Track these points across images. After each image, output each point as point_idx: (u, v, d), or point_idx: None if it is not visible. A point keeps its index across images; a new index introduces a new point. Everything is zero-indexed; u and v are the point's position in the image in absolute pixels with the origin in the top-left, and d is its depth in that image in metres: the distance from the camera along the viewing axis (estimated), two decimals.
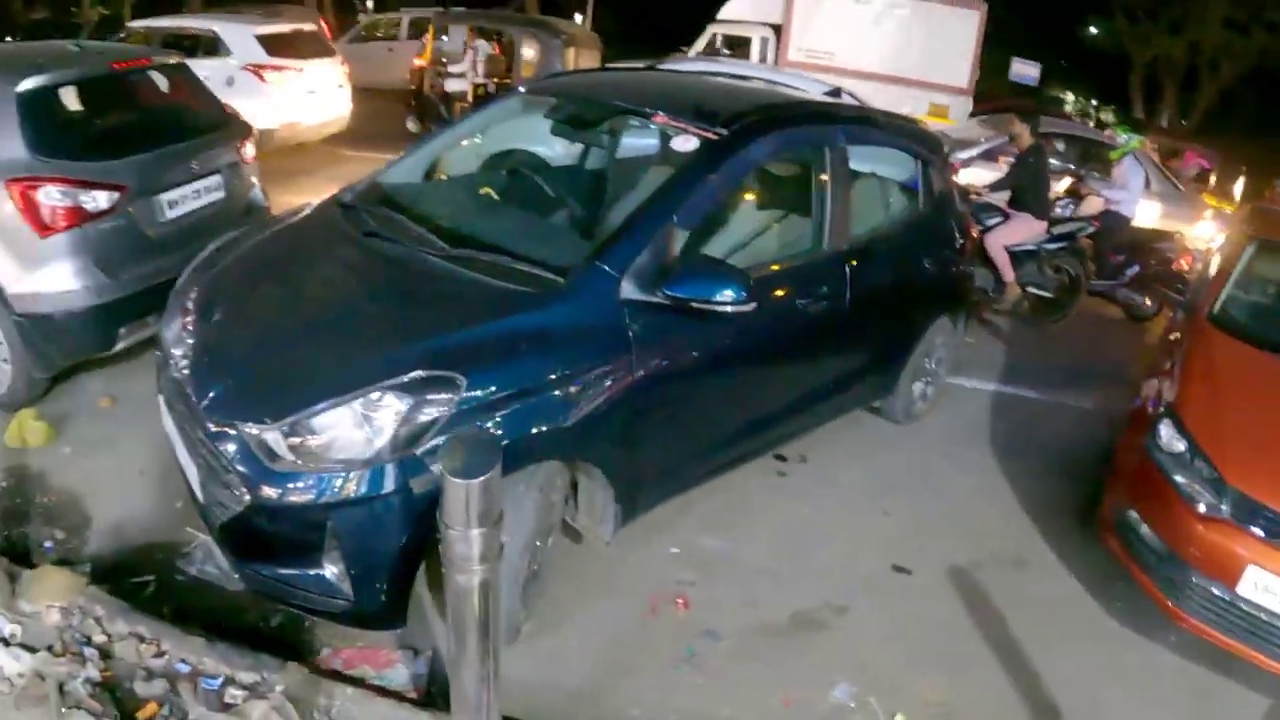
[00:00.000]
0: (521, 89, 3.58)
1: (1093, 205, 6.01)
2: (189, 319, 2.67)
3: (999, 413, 4.55)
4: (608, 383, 2.43)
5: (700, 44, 12.56)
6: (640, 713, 2.45)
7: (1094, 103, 26.04)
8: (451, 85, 10.51)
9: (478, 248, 2.64)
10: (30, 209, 3.28)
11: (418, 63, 10.98)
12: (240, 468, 2.19)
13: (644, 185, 2.86)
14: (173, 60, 4.11)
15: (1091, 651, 2.85)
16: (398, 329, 2.36)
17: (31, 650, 2.35)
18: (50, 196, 3.29)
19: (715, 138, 2.84)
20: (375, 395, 2.14)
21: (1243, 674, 2.77)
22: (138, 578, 2.82)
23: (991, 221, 5.72)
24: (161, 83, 3.98)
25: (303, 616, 2.64)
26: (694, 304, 2.50)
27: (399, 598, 2.27)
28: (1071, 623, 2.99)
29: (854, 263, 3.28)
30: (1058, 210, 6.00)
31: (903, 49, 11.15)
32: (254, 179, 4.38)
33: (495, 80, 10.71)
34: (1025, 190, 5.70)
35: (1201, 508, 2.64)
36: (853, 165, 3.34)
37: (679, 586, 2.94)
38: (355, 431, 2.14)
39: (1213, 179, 8.71)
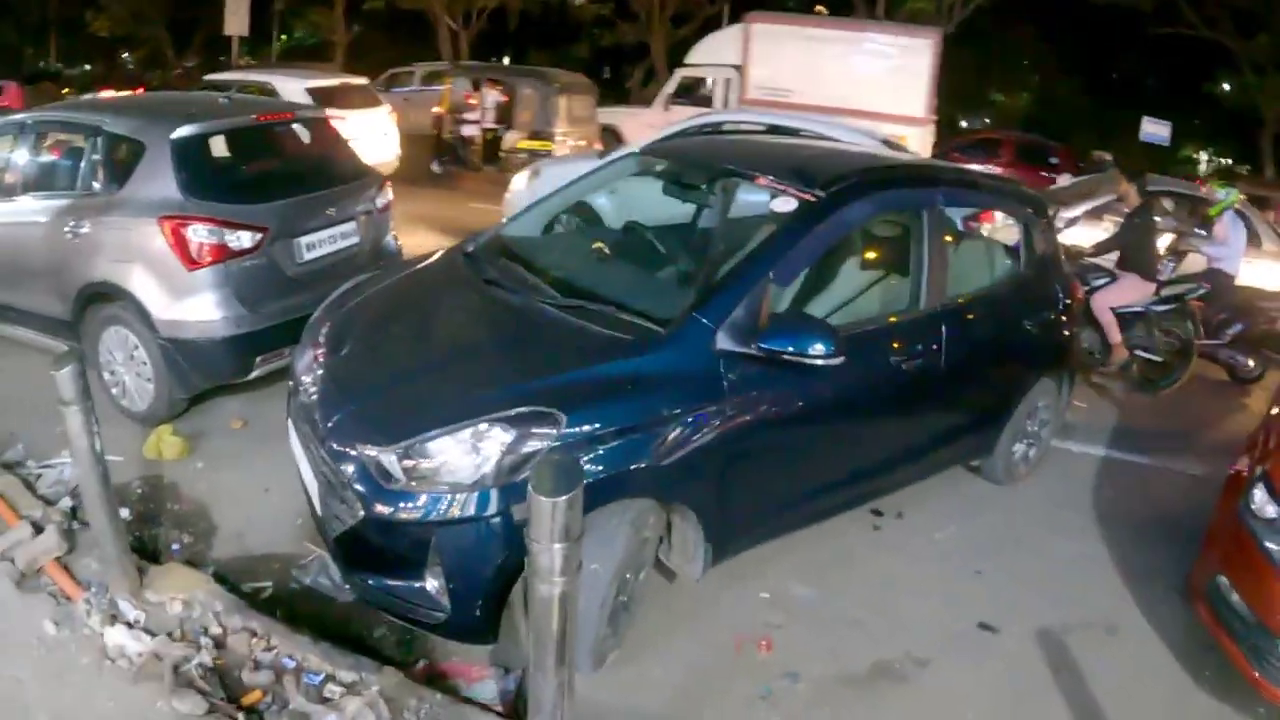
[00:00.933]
0: (638, 151, 4.07)
1: (1194, 264, 6.07)
2: (320, 351, 3.18)
3: (1104, 477, 4.67)
4: (701, 427, 2.78)
5: (670, 87, 14.00)
6: None
7: (1228, 162, 25.32)
8: (466, 130, 12.58)
9: (587, 298, 3.07)
10: (180, 244, 3.93)
11: (436, 110, 12.87)
12: (358, 485, 2.61)
13: (745, 244, 3.24)
14: (315, 114, 4.80)
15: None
16: (507, 368, 2.79)
17: (152, 634, 2.81)
18: (199, 234, 3.94)
19: (813, 199, 3.20)
20: (483, 426, 2.54)
21: None
22: (256, 583, 3.30)
23: (1098, 282, 5.86)
24: (304, 134, 4.66)
25: (403, 630, 3.06)
26: (784, 356, 2.83)
27: (492, 615, 2.64)
28: (1158, 692, 3.12)
29: (951, 322, 3.56)
30: (1161, 269, 6.09)
31: (858, 82, 11.84)
32: (389, 226, 5.02)
33: (504, 125, 12.57)
34: (1133, 250, 5.84)
35: None
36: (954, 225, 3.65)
37: (765, 629, 3.23)
38: (463, 458, 2.53)
39: None
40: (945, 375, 3.57)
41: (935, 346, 3.52)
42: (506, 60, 24.95)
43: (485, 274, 3.36)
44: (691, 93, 13.81)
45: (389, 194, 5.08)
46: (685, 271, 3.50)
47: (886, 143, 6.77)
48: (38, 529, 3.22)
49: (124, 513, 3.61)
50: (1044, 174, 13.32)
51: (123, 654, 2.71)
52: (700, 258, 3.51)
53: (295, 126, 4.65)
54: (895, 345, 3.41)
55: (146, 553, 3.42)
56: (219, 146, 4.28)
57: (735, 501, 3.00)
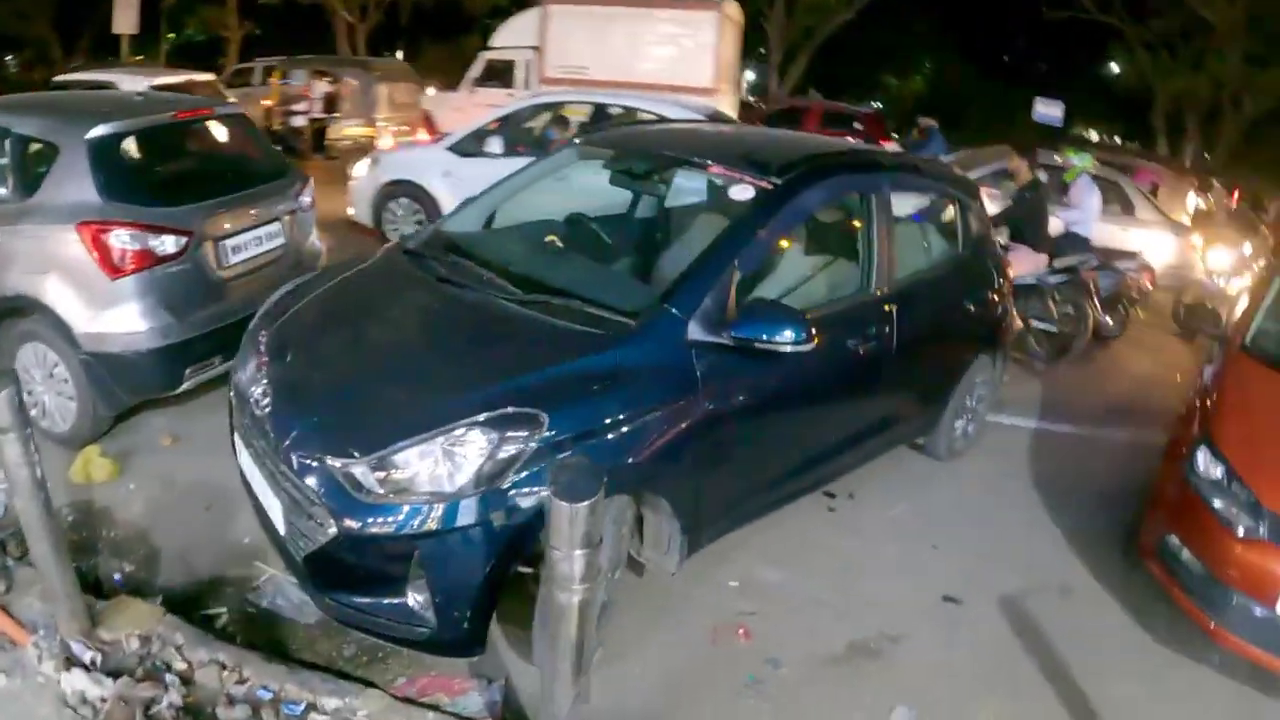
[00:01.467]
0: (577, 141, 4.00)
1: (1053, 227, 6.41)
2: (266, 360, 2.99)
3: (1037, 448, 4.89)
4: (676, 419, 2.76)
5: (475, 71, 14.39)
6: None
7: (1118, 140, 26.96)
8: (296, 121, 13.48)
9: (549, 293, 2.99)
10: (101, 251, 3.65)
11: (265, 103, 13.70)
12: (327, 500, 2.46)
13: (702, 232, 3.23)
14: (233, 110, 4.54)
15: (1138, 675, 3.14)
16: (478, 369, 2.68)
17: (113, 676, 2.58)
18: (120, 240, 3.67)
19: (770, 187, 3.22)
20: (460, 431, 2.43)
21: None
22: (209, 610, 3.10)
23: None
24: (223, 132, 4.40)
25: (376, 648, 2.93)
26: (757, 344, 2.83)
27: (480, 626, 2.53)
28: (1118, 648, 3.28)
29: (898, 305, 3.64)
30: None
31: (646, 57, 12.68)
32: (312, 226, 4.79)
33: (333, 114, 13.55)
34: (1024, 224, 6.10)
35: (1240, 531, 2.96)
36: (896, 210, 3.73)
37: (739, 617, 3.24)
38: (441, 466, 2.42)
39: (1160, 195, 9.52)
40: (896, 356, 3.66)
41: (886, 329, 3.60)
42: (400, 54, 24.48)
43: (436, 272, 3.24)
44: (499, 75, 14.16)
45: (311, 192, 4.86)
46: (644, 262, 3.47)
47: (714, 117, 6.99)
48: None
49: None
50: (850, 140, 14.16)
51: (84, 700, 2.50)
52: (656, 247, 3.49)
53: (214, 124, 4.39)
54: (848, 329, 3.47)
55: (88, 584, 3.14)
56: (137, 146, 3.99)
57: (708, 491, 2.99)
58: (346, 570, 2.56)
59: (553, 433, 2.48)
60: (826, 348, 3.29)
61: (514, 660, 2.94)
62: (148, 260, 3.74)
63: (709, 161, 3.44)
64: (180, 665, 2.68)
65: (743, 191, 3.24)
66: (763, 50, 25.12)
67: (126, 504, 3.67)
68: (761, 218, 3.14)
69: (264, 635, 3.00)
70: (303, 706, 2.56)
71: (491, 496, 2.41)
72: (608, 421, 2.61)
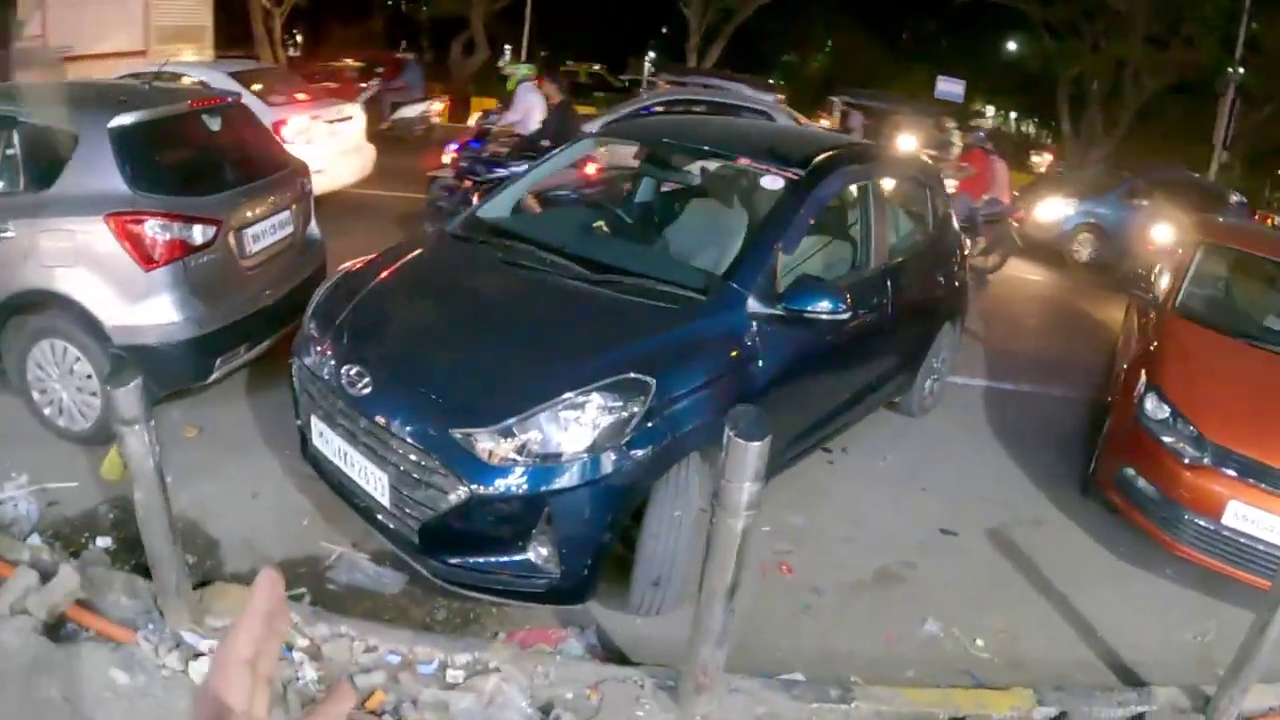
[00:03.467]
0: (593, 132, 4.28)
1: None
2: (352, 343, 3.13)
3: (991, 404, 5.56)
4: (741, 382, 3.14)
5: None
6: (783, 654, 3.16)
7: (1014, 115, 28.94)
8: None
9: (615, 273, 3.29)
10: (134, 243, 3.64)
11: None
12: (457, 468, 2.68)
13: (742, 217, 3.59)
14: (236, 100, 4.54)
15: (1108, 586, 3.77)
16: (584, 341, 2.96)
17: None
18: (154, 230, 3.66)
19: (796, 178, 3.62)
20: (585, 396, 2.72)
21: (1232, 594, 3.69)
22: (290, 592, 3.20)
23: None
24: (232, 122, 4.41)
25: (466, 610, 3.18)
26: (806, 314, 3.25)
27: (595, 574, 2.84)
28: (1088, 565, 3.92)
29: (893, 278, 4.13)
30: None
31: (81, 26, 11.95)
32: (312, 215, 4.83)
33: None
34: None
35: (1187, 459, 3.61)
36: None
37: (778, 555, 3.67)
38: (572, 428, 2.71)
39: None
40: (889, 324, 4.15)
41: (884, 300, 4.08)
42: (299, 38, 23.52)
43: (499, 256, 3.47)
44: None
45: (311, 181, 4.92)
46: (687, 244, 3.80)
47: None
48: (44, 573, 2.94)
49: (107, 541, 3.41)
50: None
51: None
52: (696, 231, 3.83)
53: (224, 114, 4.37)
54: (858, 300, 3.92)
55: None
56: (158, 136, 3.96)
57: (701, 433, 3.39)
58: (466, 533, 2.80)
59: (658, 395, 2.80)
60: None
61: (596, 609, 3.23)
62: (181, 250, 3.74)
63: (738, 155, 3.81)
64: (303, 642, 2.81)
65: (773, 182, 3.63)
66: (664, 29, 25.50)
67: (170, 497, 3.72)
68: (794, 204, 3.54)
69: (353, 610, 3.12)
70: (435, 664, 2.75)
71: (612, 454, 2.71)
72: (695, 385, 2.95)
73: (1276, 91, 17.83)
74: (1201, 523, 3.55)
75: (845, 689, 2.86)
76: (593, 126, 7.86)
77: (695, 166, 4.28)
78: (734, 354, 3.15)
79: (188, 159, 4.16)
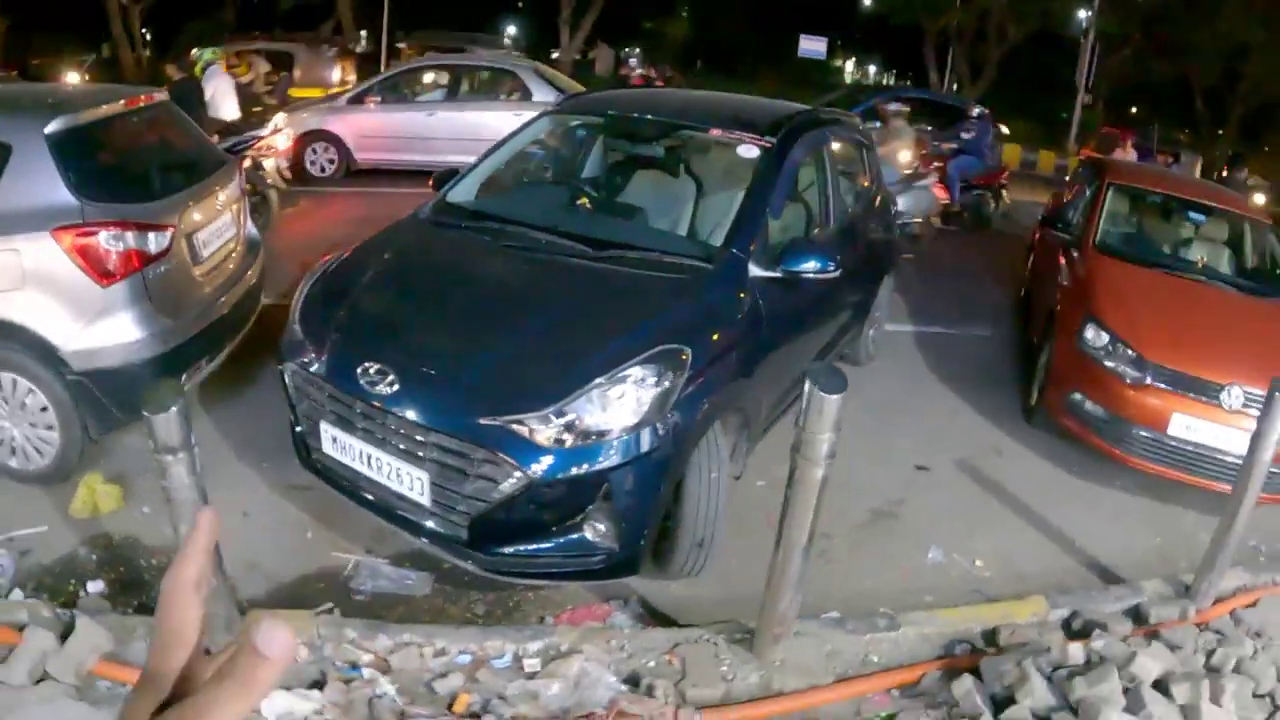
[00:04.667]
0: (552, 108, 4.24)
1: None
2: (364, 342, 3.01)
3: (926, 347, 5.93)
4: (751, 343, 3.26)
5: None
6: (815, 597, 3.32)
7: (871, 69, 30.12)
8: None
9: (618, 248, 3.32)
10: (88, 258, 3.34)
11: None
12: (512, 456, 2.65)
13: (725, 185, 3.68)
14: (165, 98, 4.18)
15: (1069, 501, 4.19)
16: (615, 318, 2.98)
17: (314, 687, 2.56)
18: (109, 242, 3.37)
19: (770, 145, 3.74)
20: (631, 371, 2.75)
21: (1174, 496, 4.19)
22: (317, 609, 3.04)
23: None
24: (165, 121, 4.08)
25: (505, 599, 3.18)
26: (803, 275, 3.40)
27: (648, 544, 2.90)
28: (1049, 485, 4.33)
29: (849, 235, 4.36)
30: None
31: None
32: (248, 214, 4.55)
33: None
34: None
35: (1129, 380, 4.04)
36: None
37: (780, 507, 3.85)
38: (620, 403, 2.73)
39: None
40: (848, 278, 4.37)
41: (844, 256, 4.29)
42: (147, 34, 21.50)
43: (495, 240, 3.42)
44: None
45: (243, 179, 4.63)
46: (672, 215, 3.85)
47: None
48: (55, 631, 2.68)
49: (99, 586, 3.16)
50: None
51: None
52: (679, 202, 3.88)
53: (156, 112, 4.02)
54: None
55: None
56: (98, 139, 3.60)
57: (763, 403, 3.53)
58: (519, 521, 2.78)
59: (693, 363, 2.86)
60: None
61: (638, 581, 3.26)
62: (138, 262, 3.45)
63: (708, 125, 3.89)
64: (367, 657, 2.72)
65: (748, 150, 3.73)
66: (520, 3, 24.84)
67: (152, 529, 3.44)
68: (772, 171, 3.66)
69: (389, 617, 3.04)
70: (508, 657, 2.74)
71: (660, 425, 2.76)
72: (718, 351, 3.04)
73: (1132, 34, 19.33)
74: (1149, 435, 4.00)
75: (890, 619, 3.08)
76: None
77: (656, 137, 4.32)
78: (741, 318, 3.26)
79: (130, 162, 3.83)
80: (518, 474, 2.68)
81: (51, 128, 3.36)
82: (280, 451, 3.96)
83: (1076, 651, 2.85)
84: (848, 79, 29.45)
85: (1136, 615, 3.29)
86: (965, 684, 2.71)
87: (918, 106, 12.54)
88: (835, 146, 4.46)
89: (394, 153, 9.39)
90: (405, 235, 3.64)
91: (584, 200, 3.93)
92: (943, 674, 2.88)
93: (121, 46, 15.72)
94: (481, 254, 3.40)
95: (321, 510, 3.56)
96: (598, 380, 2.74)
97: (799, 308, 3.73)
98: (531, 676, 2.69)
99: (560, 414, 2.70)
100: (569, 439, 2.71)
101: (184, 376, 3.74)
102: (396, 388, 2.83)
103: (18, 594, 3.06)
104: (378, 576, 3.30)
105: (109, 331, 3.44)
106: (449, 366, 2.89)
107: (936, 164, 9.02)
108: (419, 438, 2.80)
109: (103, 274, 3.39)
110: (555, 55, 17.68)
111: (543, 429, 2.70)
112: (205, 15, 20.96)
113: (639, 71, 16.65)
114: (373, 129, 9.42)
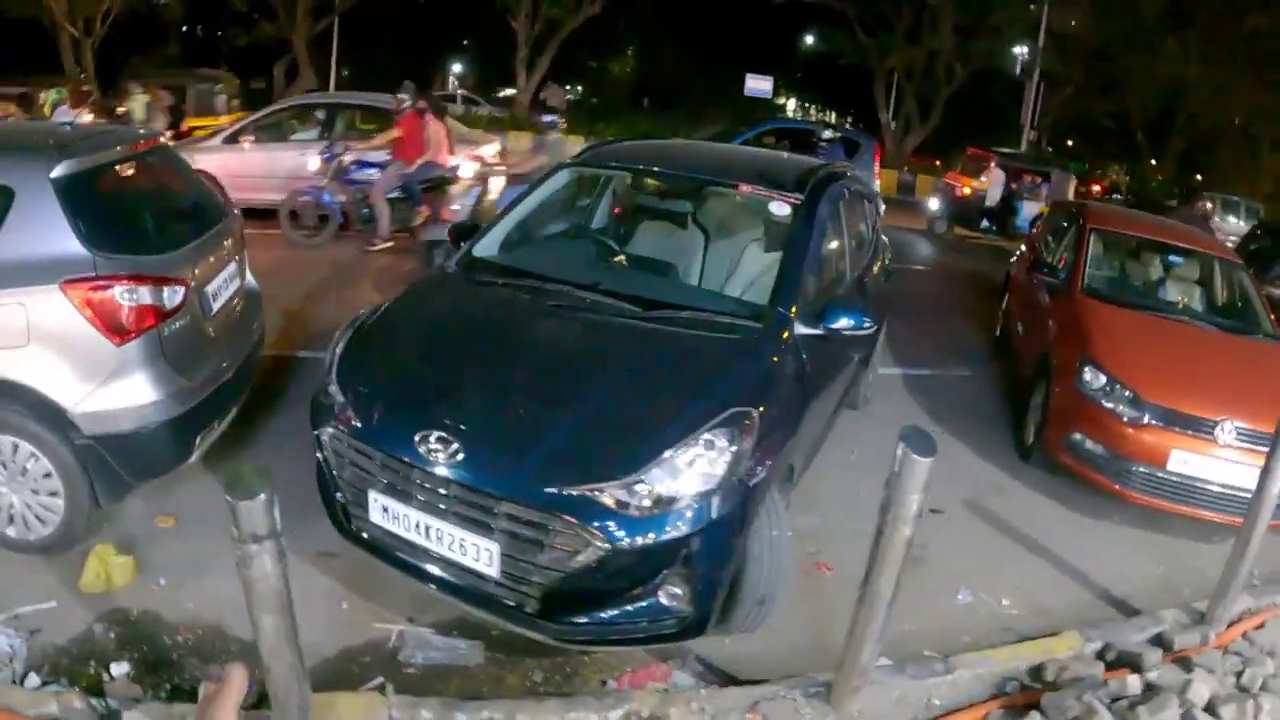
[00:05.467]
0: (567, 163, 4.23)
1: None
2: (420, 408, 2.89)
3: (914, 389, 6.08)
4: (799, 400, 3.29)
5: None
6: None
7: (809, 106, 31.09)
8: None
9: (666, 308, 3.31)
10: (102, 313, 3.13)
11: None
12: (593, 525, 2.59)
13: (753, 241, 3.72)
14: (167, 142, 3.99)
15: (1074, 535, 4.34)
16: (684, 381, 2.96)
17: None
18: (124, 296, 3.17)
19: (798, 202, 3.81)
20: (708, 435, 2.73)
21: (1169, 527, 4.39)
22: (367, 685, 2.91)
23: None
24: (168, 165, 3.90)
25: (561, 666, 3.09)
26: (844, 332, 3.45)
27: (719, 604, 2.86)
28: (1052, 521, 4.48)
29: (865, 286, 4.47)
30: None
31: None
32: (247, 264, 4.36)
33: None
34: None
35: (1127, 419, 4.24)
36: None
37: (811, 556, 3.86)
38: (699, 469, 2.70)
39: None
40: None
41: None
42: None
43: (541, 298, 3.38)
44: None
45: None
46: (714, 272, 3.87)
47: None
48: None
49: (124, 668, 2.91)
50: None
51: None
52: (711, 259, 3.91)
53: (159, 157, 3.83)
54: None
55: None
56: (106, 185, 3.37)
57: (803, 457, 3.56)
58: (594, 589, 2.71)
59: (762, 423, 2.86)
60: None
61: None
62: (154, 318, 3.24)
63: (735, 181, 3.95)
64: None
65: (780, 208, 3.80)
66: (465, 43, 24.81)
67: (170, 603, 3.21)
68: (805, 228, 3.72)
69: (446, 690, 2.92)
70: None
71: (734, 487, 2.74)
72: (777, 410, 3.04)
73: (1075, 73, 20.42)
74: (1149, 471, 4.19)
75: (945, 662, 3.15)
76: None
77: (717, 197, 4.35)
78: (791, 376, 3.28)
79: (139, 210, 3.61)
80: (599, 543, 2.61)
81: (58, 172, 3.15)
82: (298, 517, 3.74)
83: (1134, 683, 2.97)
84: (789, 114, 30.51)
85: (1159, 642, 3.43)
86: None
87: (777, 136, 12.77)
88: (848, 200, 4.58)
89: (262, 192, 8.66)
90: (442, 292, 3.56)
91: (621, 258, 3.91)
92: (1004, 712, 2.96)
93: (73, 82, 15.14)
94: (530, 314, 3.35)
95: (353, 579, 3.40)
96: (676, 446, 2.70)
97: (831, 361, 3.80)
98: None
99: (641, 481, 2.65)
100: (650, 506, 2.65)
101: (198, 440, 3.55)
102: (462, 456, 2.72)
103: (34, 679, 2.81)
104: (427, 647, 3.15)
105: (122, 393, 3.22)
106: (520, 434, 2.79)
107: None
108: (489, 508, 2.70)
109: (117, 331, 3.18)
110: (509, 93, 17.69)
111: (625, 497, 2.64)
112: (148, 51, 20.33)
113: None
114: (242, 168, 8.79)
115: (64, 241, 3.12)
